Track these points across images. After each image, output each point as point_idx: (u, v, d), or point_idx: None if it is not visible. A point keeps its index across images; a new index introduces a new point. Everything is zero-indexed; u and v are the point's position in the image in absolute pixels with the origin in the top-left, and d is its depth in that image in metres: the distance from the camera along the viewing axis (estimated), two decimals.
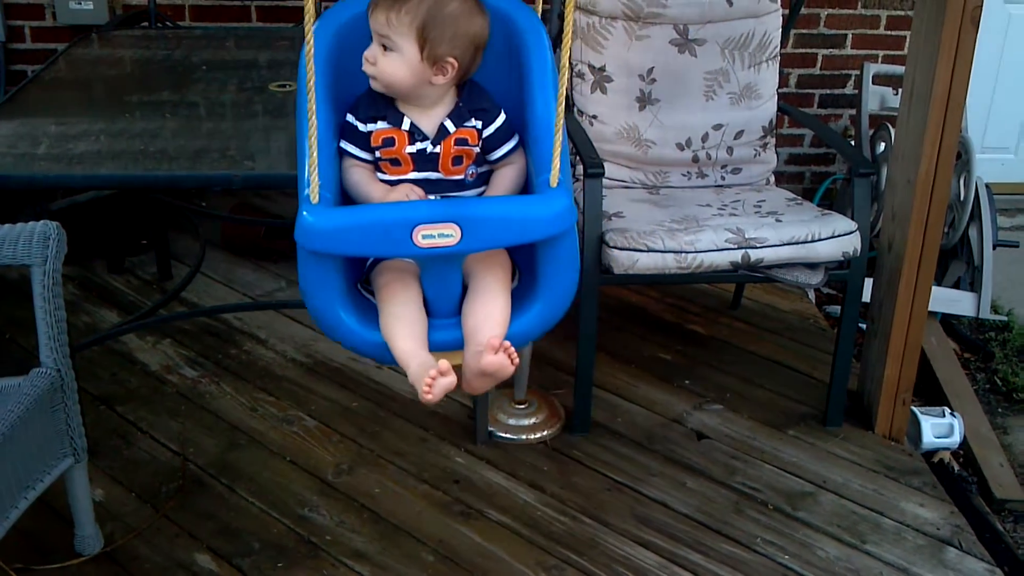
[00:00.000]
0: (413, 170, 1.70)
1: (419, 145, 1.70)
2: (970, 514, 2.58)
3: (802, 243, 2.56)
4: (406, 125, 1.70)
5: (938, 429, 2.85)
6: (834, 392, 2.80)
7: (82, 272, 3.45)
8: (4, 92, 3.64)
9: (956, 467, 2.89)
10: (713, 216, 2.71)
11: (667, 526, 2.44)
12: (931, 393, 3.18)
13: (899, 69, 3.23)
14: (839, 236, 2.59)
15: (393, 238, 1.52)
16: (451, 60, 1.65)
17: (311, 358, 3.03)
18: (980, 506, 2.73)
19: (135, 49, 3.02)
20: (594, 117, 2.95)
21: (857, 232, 2.61)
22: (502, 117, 1.73)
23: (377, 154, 1.72)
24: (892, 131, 3.28)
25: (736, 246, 2.53)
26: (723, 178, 3.05)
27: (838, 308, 3.00)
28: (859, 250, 2.61)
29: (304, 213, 1.54)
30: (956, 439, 2.85)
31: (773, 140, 3.08)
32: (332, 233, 1.54)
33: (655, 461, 2.66)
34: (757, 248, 2.54)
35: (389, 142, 1.70)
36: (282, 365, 3.00)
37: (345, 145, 1.72)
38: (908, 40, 2.73)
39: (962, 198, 3.46)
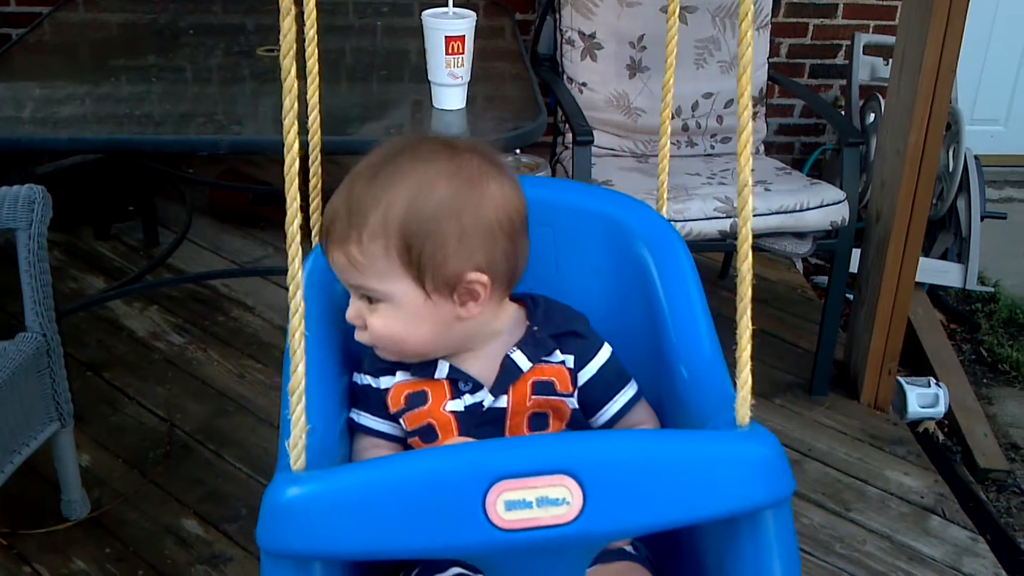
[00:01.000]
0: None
1: (469, 398, 1.09)
2: (954, 483, 2.60)
3: (790, 212, 2.56)
4: (442, 371, 1.10)
5: (923, 399, 2.86)
6: (820, 361, 2.81)
7: (68, 238, 3.43)
8: None
9: (941, 437, 2.91)
10: (702, 185, 2.71)
11: None
12: (917, 363, 3.19)
13: (890, 39, 3.22)
14: (827, 205, 2.59)
15: (449, 512, 0.83)
16: (476, 277, 1.05)
17: None
18: (964, 475, 2.75)
19: (121, 13, 2.99)
20: (584, 85, 2.94)
21: (845, 202, 2.61)
22: (607, 350, 1.14)
23: (402, 423, 1.12)
24: (882, 101, 3.27)
25: (725, 215, 2.53)
26: (712, 147, 3.05)
27: (825, 278, 3.01)
28: (847, 220, 2.62)
29: (279, 487, 0.89)
30: (941, 409, 2.87)
31: (763, 109, 3.07)
32: (334, 511, 0.86)
33: None
34: None
35: (416, 400, 1.10)
36: (269, 332, 2.99)
37: (356, 416, 1.13)
38: (899, 10, 2.72)
39: (951, 169, 3.46)
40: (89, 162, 3.32)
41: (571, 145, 2.61)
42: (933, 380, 2.93)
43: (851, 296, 2.95)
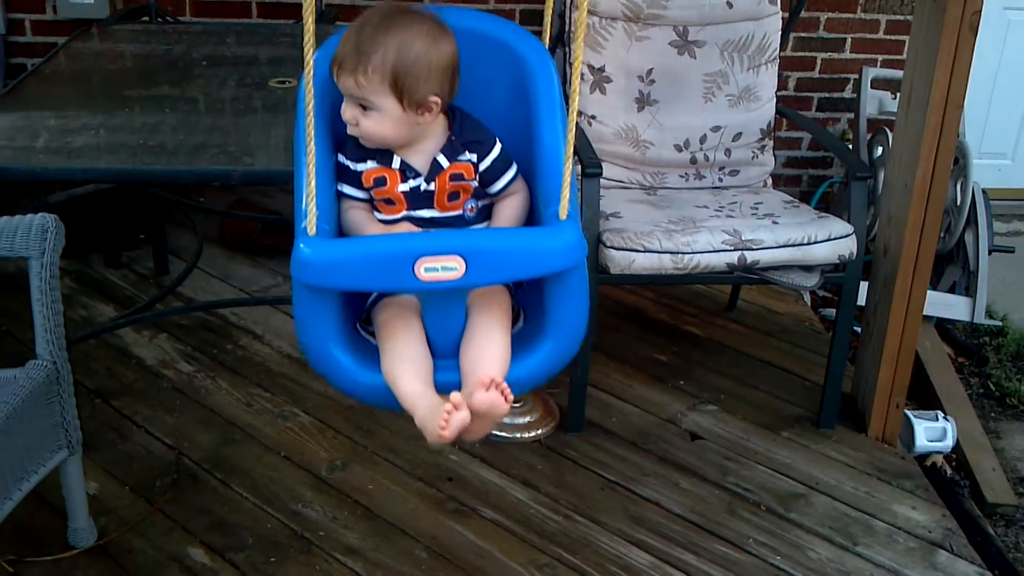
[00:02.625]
0: (407, 209, 1.65)
1: (412, 183, 1.63)
2: (962, 518, 2.59)
3: (798, 245, 2.57)
4: (396, 163, 1.63)
5: (931, 433, 2.86)
6: (828, 394, 2.81)
7: (79, 266, 3.45)
8: (4, 85, 3.64)
9: (948, 471, 2.90)
10: (710, 217, 2.72)
11: (660, 526, 2.44)
12: (925, 397, 3.19)
13: (897, 74, 3.24)
14: (835, 239, 2.60)
15: (394, 271, 1.45)
16: (434, 99, 1.58)
17: None
18: (972, 510, 2.74)
19: (135, 44, 3.02)
20: (592, 117, 2.96)
21: (853, 235, 2.62)
22: (498, 147, 1.66)
23: (371, 193, 1.66)
24: (890, 135, 3.28)
25: (733, 247, 2.54)
26: (721, 180, 3.06)
27: (833, 311, 3.01)
28: (855, 253, 2.62)
29: (301, 246, 1.47)
30: (949, 443, 2.86)
31: (771, 143, 3.08)
32: (330, 266, 1.47)
33: (649, 461, 2.67)
34: (753, 250, 2.55)
35: (380, 181, 1.63)
36: (278, 361, 3.00)
37: (341, 186, 1.65)
38: (907, 45, 2.74)
39: (958, 203, 3.47)
40: (101, 191, 3.35)
41: (580, 177, 2.63)
42: (941, 414, 2.92)
43: (859, 329, 2.95)
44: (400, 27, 1.56)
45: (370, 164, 1.63)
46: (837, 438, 2.81)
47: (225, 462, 2.56)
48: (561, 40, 3.00)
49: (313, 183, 1.47)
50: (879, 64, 4.03)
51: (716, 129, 3.02)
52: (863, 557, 2.39)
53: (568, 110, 1.51)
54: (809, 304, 3.60)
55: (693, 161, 3.04)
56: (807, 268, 2.64)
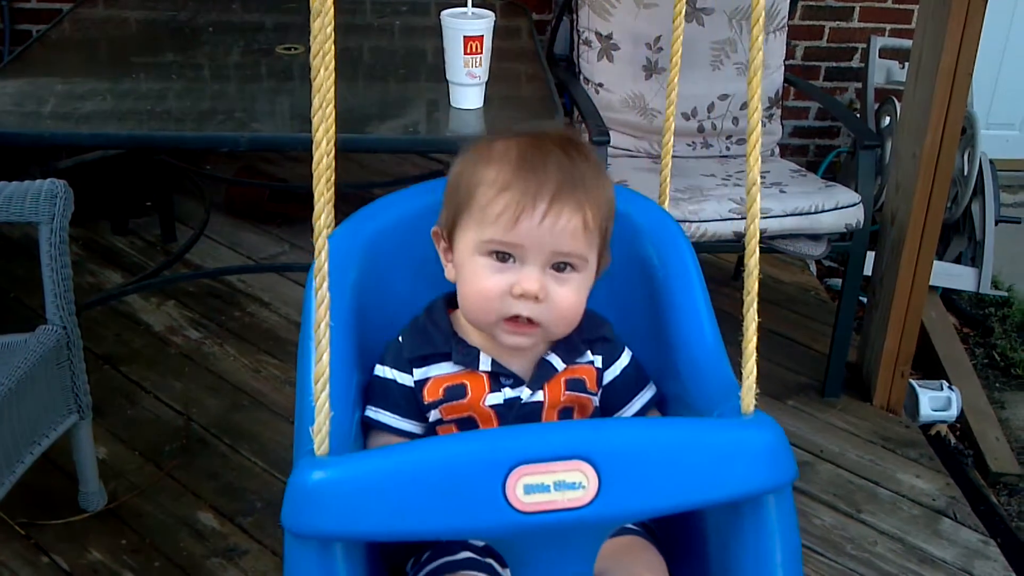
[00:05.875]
0: None
1: (508, 393, 1.13)
2: (965, 486, 2.60)
3: (805, 214, 2.57)
4: (485, 364, 1.13)
5: (936, 402, 2.87)
6: (833, 364, 2.82)
7: (86, 233, 3.46)
8: (9, 51, 3.63)
9: (953, 440, 2.91)
10: (717, 186, 2.72)
11: None
12: (930, 367, 3.19)
13: (906, 43, 3.22)
14: (842, 208, 2.60)
15: (470, 495, 0.86)
16: (608, 256, 1.15)
17: None
18: (975, 479, 2.76)
19: (141, 10, 3.01)
20: (600, 85, 2.95)
21: (860, 204, 2.62)
22: (628, 353, 1.21)
23: (434, 415, 1.14)
24: (898, 105, 3.27)
25: (739, 216, 2.54)
26: (728, 148, 3.06)
27: (839, 281, 3.01)
28: (862, 222, 2.62)
29: (305, 470, 0.95)
30: (953, 412, 2.87)
31: (778, 111, 3.08)
32: (359, 494, 0.89)
33: None
34: (760, 218, 2.54)
35: (456, 392, 1.12)
36: (285, 328, 3.01)
37: (374, 414, 1.15)
38: (916, 14, 2.73)
39: (966, 173, 3.46)
40: (108, 157, 3.35)
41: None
42: (946, 383, 2.93)
43: (864, 299, 2.95)
44: (584, 156, 1.14)
45: (442, 368, 1.13)
46: (842, 407, 2.82)
47: (233, 427, 2.58)
48: (569, 7, 2.99)
49: (325, 394, 0.96)
50: (887, 33, 4.01)
51: (724, 97, 3.01)
52: (867, 524, 2.41)
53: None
54: (815, 274, 3.60)
55: (700, 130, 3.03)
56: (814, 237, 2.64)
